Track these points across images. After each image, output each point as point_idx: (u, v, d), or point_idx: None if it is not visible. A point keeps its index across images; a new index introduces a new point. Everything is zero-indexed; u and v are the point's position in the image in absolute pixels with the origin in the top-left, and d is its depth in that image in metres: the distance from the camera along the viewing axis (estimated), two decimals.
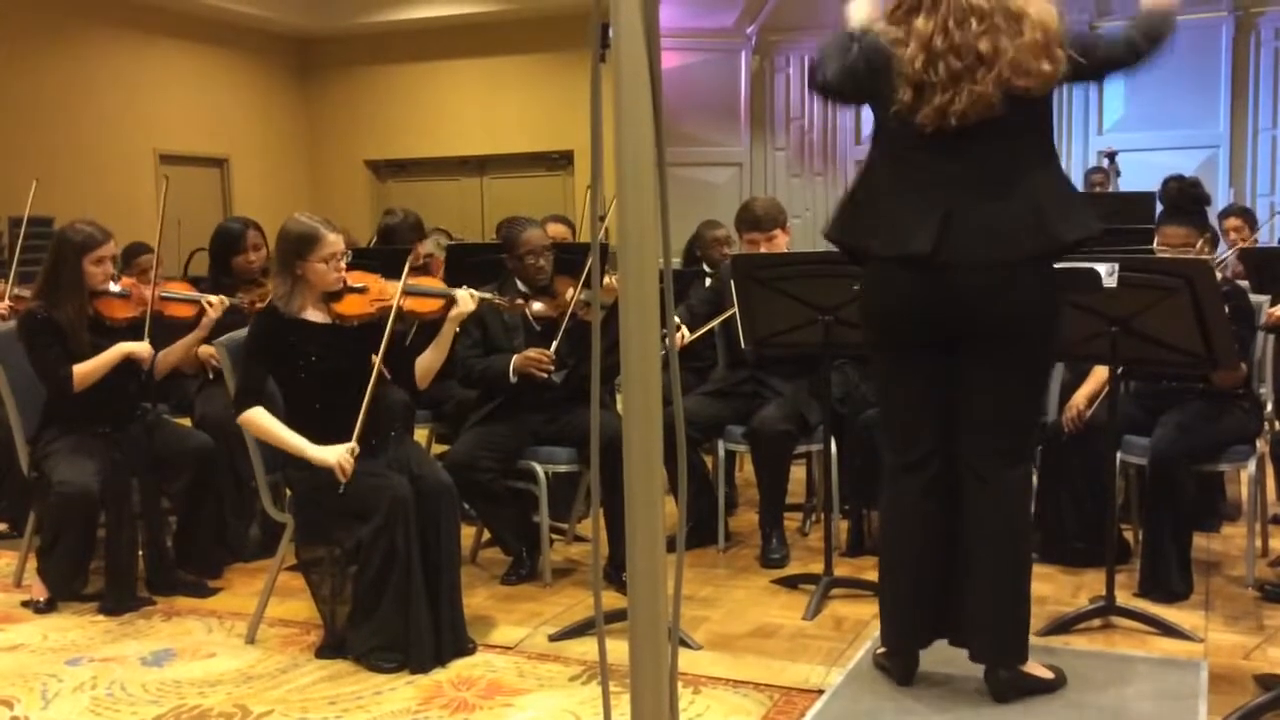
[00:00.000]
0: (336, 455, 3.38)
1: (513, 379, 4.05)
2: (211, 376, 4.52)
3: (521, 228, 4.28)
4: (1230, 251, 4.79)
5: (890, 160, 2.89)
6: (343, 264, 3.56)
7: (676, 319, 4.40)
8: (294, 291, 3.52)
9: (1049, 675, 2.98)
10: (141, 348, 4.02)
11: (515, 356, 4.06)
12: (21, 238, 5.45)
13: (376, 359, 3.52)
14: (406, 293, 3.66)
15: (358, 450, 3.42)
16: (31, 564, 4.10)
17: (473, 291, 3.77)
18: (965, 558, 2.92)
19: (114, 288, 4.06)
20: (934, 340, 2.88)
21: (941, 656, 3.06)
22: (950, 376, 2.89)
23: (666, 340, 1.29)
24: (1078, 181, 9.37)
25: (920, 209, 2.80)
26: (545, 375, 4.03)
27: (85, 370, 3.93)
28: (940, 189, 2.80)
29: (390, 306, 3.58)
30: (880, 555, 3.14)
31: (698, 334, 4.50)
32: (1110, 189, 8.72)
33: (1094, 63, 2.81)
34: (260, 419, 3.48)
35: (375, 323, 3.59)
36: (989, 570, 2.89)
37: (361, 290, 3.61)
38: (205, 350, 4.44)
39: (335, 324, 3.57)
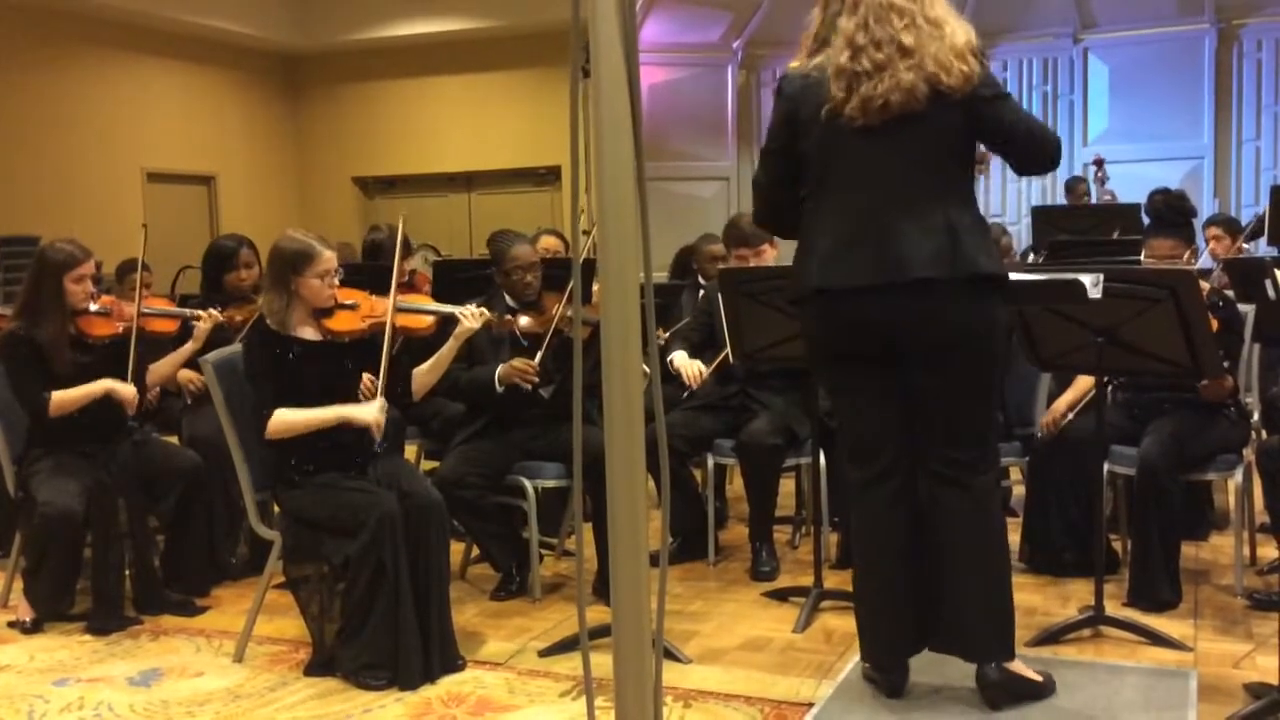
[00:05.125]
0: (374, 413, 3.48)
1: (499, 388, 4.05)
2: (190, 402, 4.51)
3: (510, 243, 4.29)
4: (1217, 271, 4.81)
5: (816, 183, 2.94)
6: (335, 280, 3.57)
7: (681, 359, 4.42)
8: (288, 307, 3.53)
9: (1038, 678, 3.01)
10: (125, 389, 3.99)
11: (500, 366, 4.06)
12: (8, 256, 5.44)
13: (389, 302, 3.60)
14: (397, 309, 3.67)
15: (386, 406, 3.53)
16: (18, 584, 4.08)
17: (480, 310, 3.78)
18: (944, 562, 2.95)
19: (94, 306, 4.05)
20: (880, 354, 2.93)
21: (931, 667, 3.05)
22: (902, 388, 2.94)
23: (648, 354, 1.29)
24: (1059, 192, 9.42)
25: (846, 233, 2.87)
26: (530, 386, 4.03)
27: (63, 398, 3.92)
28: (863, 202, 2.86)
29: (381, 323, 3.59)
30: (855, 571, 3.15)
31: (709, 372, 4.49)
32: (1093, 198, 8.76)
33: (994, 122, 2.87)
34: (287, 418, 3.45)
35: (366, 339, 3.60)
36: (970, 571, 2.93)
37: (352, 307, 3.63)
38: (185, 375, 4.43)
39: (327, 340, 3.57)
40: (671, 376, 4.63)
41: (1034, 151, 2.93)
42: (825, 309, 2.94)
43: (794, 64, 2.99)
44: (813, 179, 2.94)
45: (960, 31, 2.82)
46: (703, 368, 4.42)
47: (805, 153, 2.94)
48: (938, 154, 2.86)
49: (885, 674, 3.04)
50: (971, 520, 2.92)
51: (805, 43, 2.97)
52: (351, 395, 3.52)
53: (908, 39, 2.79)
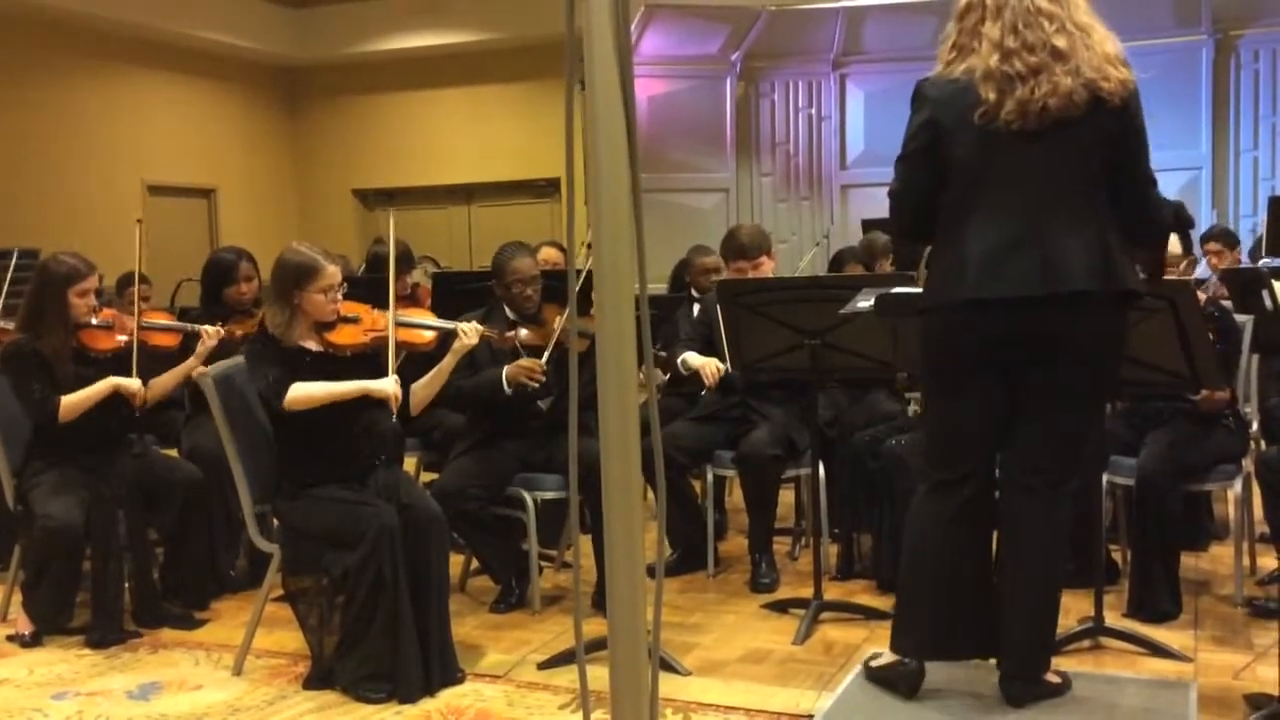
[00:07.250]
0: (391, 386, 3.49)
1: (507, 390, 4.03)
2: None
3: (510, 255, 4.28)
4: (1213, 279, 4.83)
5: (965, 189, 2.86)
6: (339, 295, 3.57)
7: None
8: (290, 321, 3.53)
9: (1057, 680, 3.04)
10: (131, 382, 4.00)
11: (507, 367, 4.03)
12: (11, 269, 5.43)
13: (389, 316, 3.62)
14: (398, 323, 3.67)
15: (399, 380, 3.55)
16: (17, 598, 4.08)
17: (476, 326, 3.78)
18: (1005, 572, 2.97)
19: (96, 319, 4.06)
20: (1005, 364, 2.88)
21: (932, 678, 3.05)
22: (1009, 397, 2.90)
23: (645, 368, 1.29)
24: None
25: (1000, 241, 2.80)
26: (537, 384, 4.02)
27: (72, 401, 3.92)
28: (1018, 208, 2.80)
29: (383, 336, 3.60)
30: (903, 565, 3.09)
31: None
32: None
33: (1130, 166, 2.84)
34: (304, 389, 3.43)
35: (367, 353, 3.60)
36: (1028, 585, 2.94)
37: (354, 320, 3.63)
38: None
39: (328, 353, 3.57)
40: (681, 380, 4.63)
41: (1135, 209, 2.86)
42: (969, 318, 2.85)
43: (933, 73, 2.93)
44: (960, 184, 2.87)
45: (1109, 40, 2.80)
46: (719, 365, 4.36)
47: (952, 158, 2.86)
48: (1093, 162, 2.81)
49: (906, 666, 3.01)
50: (1040, 532, 2.92)
51: (943, 54, 2.91)
52: (351, 410, 3.51)
53: (1060, 42, 2.75)
